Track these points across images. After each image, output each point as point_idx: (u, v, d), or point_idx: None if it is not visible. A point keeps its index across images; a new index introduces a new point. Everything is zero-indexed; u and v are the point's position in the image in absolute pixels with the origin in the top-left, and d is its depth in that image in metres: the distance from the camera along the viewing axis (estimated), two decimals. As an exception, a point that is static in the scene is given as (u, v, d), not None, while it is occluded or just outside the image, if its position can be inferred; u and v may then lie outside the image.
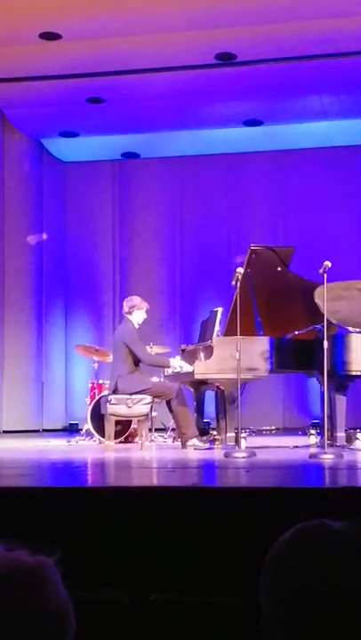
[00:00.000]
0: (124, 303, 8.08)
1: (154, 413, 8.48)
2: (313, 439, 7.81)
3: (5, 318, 11.14)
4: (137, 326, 7.94)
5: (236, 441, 6.67)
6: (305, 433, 8.39)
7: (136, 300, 8.03)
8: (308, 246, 9.96)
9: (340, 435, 7.08)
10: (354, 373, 7.15)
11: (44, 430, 11.30)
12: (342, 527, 1.21)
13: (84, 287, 12.23)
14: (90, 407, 8.72)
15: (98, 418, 8.33)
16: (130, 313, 7.96)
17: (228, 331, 7.42)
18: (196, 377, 7.40)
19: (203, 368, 7.34)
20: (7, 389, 11.05)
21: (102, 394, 8.53)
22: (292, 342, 7.51)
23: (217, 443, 7.54)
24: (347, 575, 1.15)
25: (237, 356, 6.53)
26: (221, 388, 7.47)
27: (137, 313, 7.95)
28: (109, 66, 9.57)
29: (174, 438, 8.44)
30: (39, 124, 11.28)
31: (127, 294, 10.89)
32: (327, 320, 6.52)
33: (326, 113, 10.64)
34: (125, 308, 8.02)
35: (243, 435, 6.81)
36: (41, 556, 1.18)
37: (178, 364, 7.71)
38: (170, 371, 8.05)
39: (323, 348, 6.25)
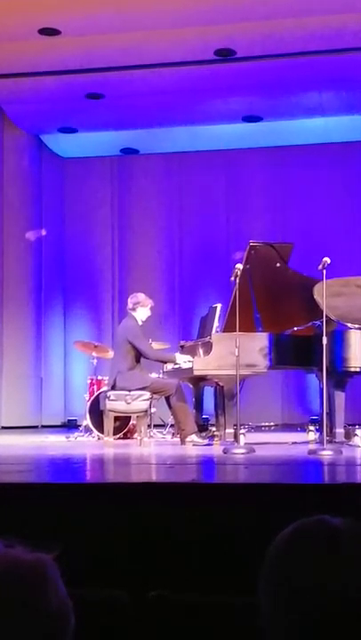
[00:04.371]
0: (129, 300, 8.05)
1: (153, 409, 8.48)
2: (312, 435, 7.82)
3: (4, 314, 11.13)
4: (140, 323, 7.93)
5: (235, 437, 6.68)
6: (304, 429, 8.40)
7: (141, 296, 8.00)
8: (307, 242, 9.96)
9: (339, 431, 7.09)
10: (353, 369, 7.15)
11: (43, 426, 11.29)
12: (341, 523, 1.21)
13: (82, 283, 12.22)
14: (89, 403, 8.73)
15: (97, 414, 8.33)
16: (134, 310, 7.94)
17: (228, 327, 7.42)
18: (195, 373, 7.40)
19: (202, 364, 7.34)
20: (6, 385, 11.04)
21: (101, 390, 8.53)
22: (292, 338, 7.51)
23: (216, 439, 7.54)
24: (346, 571, 1.15)
25: (236, 353, 6.52)
26: (220, 384, 7.47)
27: (141, 310, 7.93)
28: (108, 62, 9.55)
29: (173, 434, 8.44)
30: (38, 119, 11.26)
31: (126, 290, 10.91)
32: (326, 316, 6.51)
33: (325, 109, 10.63)
34: (129, 305, 7.99)
35: (242, 431, 6.82)
36: (40, 553, 1.18)
37: (184, 358, 7.70)
38: (170, 367, 8.05)
39: (322, 345, 6.25)
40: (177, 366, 7.81)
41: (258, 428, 9.92)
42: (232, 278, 6.79)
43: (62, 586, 1.17)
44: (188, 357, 7.64)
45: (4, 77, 9.98)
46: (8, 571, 1.13)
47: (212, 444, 7.34)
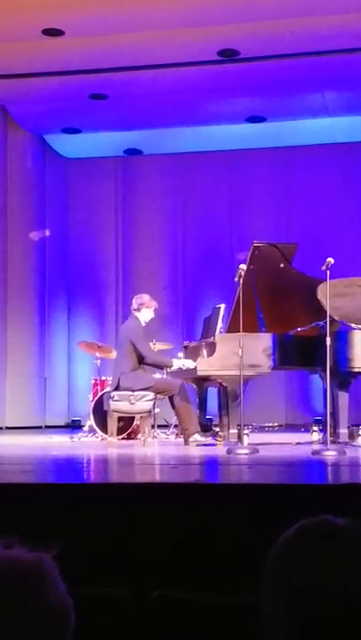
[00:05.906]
0: (134, 300, 8.03)
1: (156, 410, 8.48)
2: (315, 436, 7.82)
3: (8, 314, 11.13)
4: (143, 324, 7.92)
5: (239, 437, 6.68)
6: (307, 429, 8.39)
7: (145, 297, 7.98)
8: (310, 243, 9.95)
9: (343, 431, 7.09)
10: (356, 370, 7.15)
11: (47, 427, 11.30)
12: (345, 524, 1.21)
13: (86, 283, 12.23)
14: (92, 403, 8.73)
15: (100, 414, 8.33)
16: (138, 310, 7.92)
17: (231, 327, 7.42)
18: (199, 373, 7.40)
19: (205, 365, 7.34)
20: (10, 385, 11.05)
21: (105, 390, 8.53)
22: (295, 339, 7.51)
23: (219, 439, 7.54)
24: (347, 571, 1.14)
25: (240, 353, 6.52)
26: (224, 384, 7.47)
27: (145, 311, 7.92)
28: (112, 62, 9.55)
29: (177, 435, 8.44)
30: (42, 120, 11.27)
31: (130, 290, 10.92)
32: (330, 317, 6.51)
33: (329, 109, 10.62)
34: (134, 305, 7.97)
35: (245, 431, 6.81)
36: (39, 552, 1.17)
37: (180, 363, 7.69)
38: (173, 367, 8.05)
39: (325, 345, 6.24)
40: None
41: (261, 429, 9.92)
42: (236, 279, 6.79)
43: (62, 585, 1.17)
44: (185, 361, 7.63)
45: (7, 78, 9.99)
46: (8, 570, 1.13)
47: (215, 445, 7.34)
